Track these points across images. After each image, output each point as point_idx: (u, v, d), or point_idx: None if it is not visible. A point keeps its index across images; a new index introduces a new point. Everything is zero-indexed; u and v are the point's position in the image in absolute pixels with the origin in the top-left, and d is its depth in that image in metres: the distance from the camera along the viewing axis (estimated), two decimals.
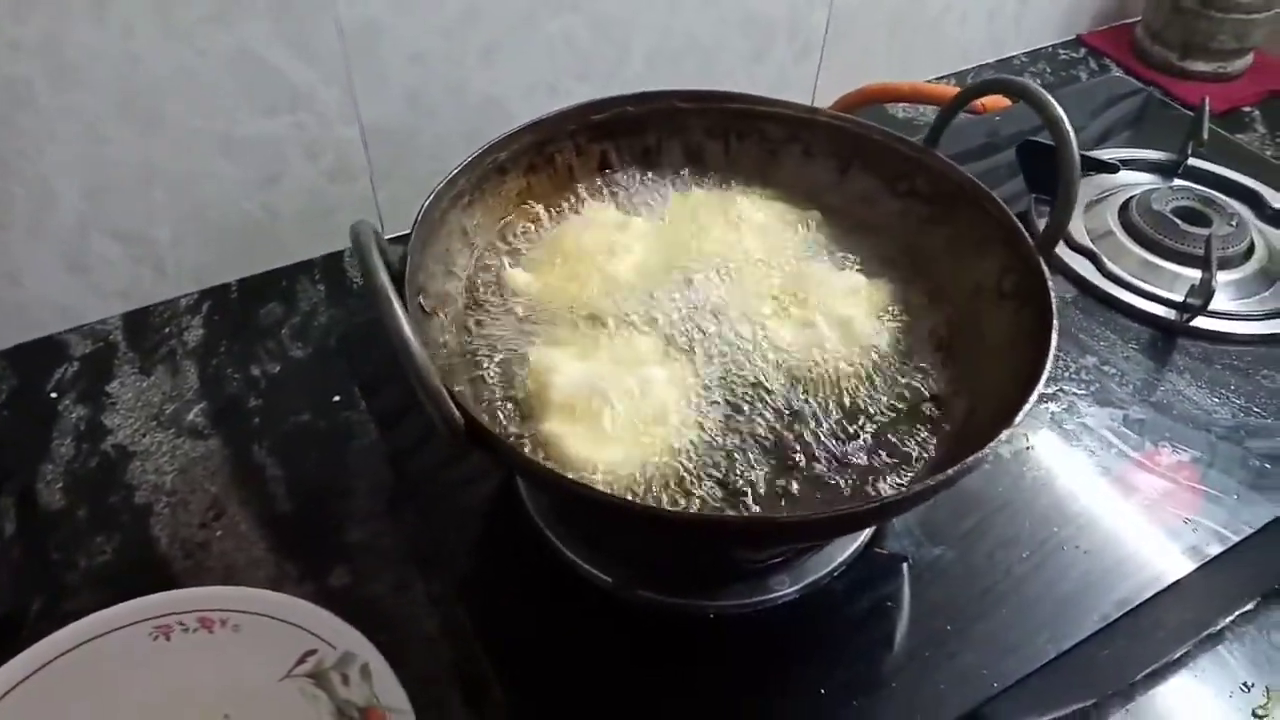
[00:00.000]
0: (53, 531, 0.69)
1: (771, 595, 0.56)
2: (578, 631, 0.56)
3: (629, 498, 0.46)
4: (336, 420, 0.78)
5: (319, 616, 0.58)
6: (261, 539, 0.69)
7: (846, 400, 0.54)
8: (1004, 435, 0.44)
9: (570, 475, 0.46)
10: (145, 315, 0.86)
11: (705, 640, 0.56)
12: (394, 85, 0.85)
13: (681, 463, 0.50)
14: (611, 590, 0.56)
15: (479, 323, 0.57)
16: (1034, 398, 0.45)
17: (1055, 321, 0.49)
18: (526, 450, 0.50)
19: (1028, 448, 0.67)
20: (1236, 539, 0.62)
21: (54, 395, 0.79)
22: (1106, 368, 0.72)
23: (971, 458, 0.43)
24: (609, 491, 0.46)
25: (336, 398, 0.79)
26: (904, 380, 0.55)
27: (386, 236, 0.94)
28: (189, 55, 0.74)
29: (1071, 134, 0.52)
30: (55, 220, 0.77)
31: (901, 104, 1.14)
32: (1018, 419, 0.44)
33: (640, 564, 0.55)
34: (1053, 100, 0.53)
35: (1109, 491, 0.64)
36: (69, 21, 0.69)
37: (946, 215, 0.61)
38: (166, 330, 0.85)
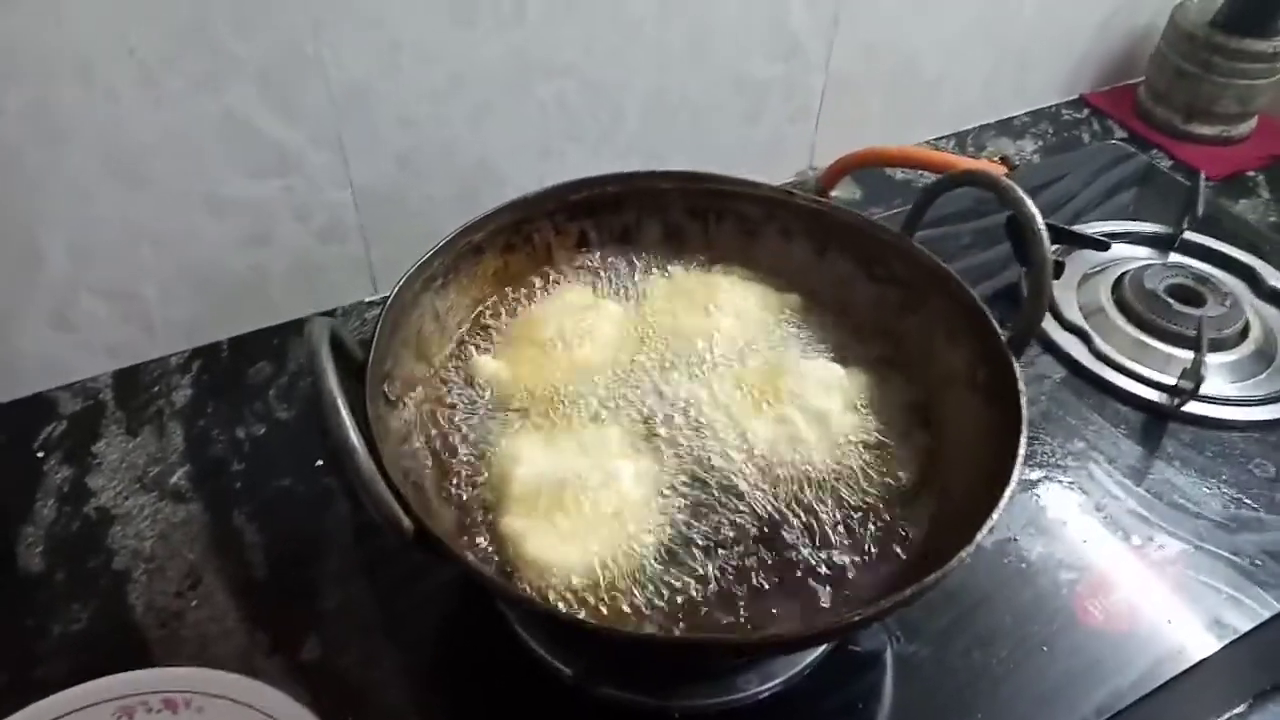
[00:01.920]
0: (29, 597, 0.69)
1: (738, 695, 0.55)
2: None
3: (579, 608, 0.46)
4: (317, 486, 0.77)
5: (282, 703, 0.57)
6: (236, 608, 0.69)
7: (817, 501, 0.53)
8: (964, 555, 0.43)
9: (509, 586, 0.45)
10: (135, 373, 0.86)
11: None
12: (384, 148, 0.85)
13: (644, 564, 0.49)
14: (573, 683, 0.55)
15: (447, 409, 0.56)
16: (996, 514, 0.44)
17: (1024, 427, 0.48)
18: (483, 545, 0.49)
19: (1011, 538, 0.65)
20: (1225, 641, 0.60)
21: (40, 454, 0.79)
22: (1095, 454, 0.71)
23: (928, 578, 0.42)
24: (558, 608, 0.45)
25: (319, 462, 0.79)
26: (877, 479, 0.55)
27: (379, 296, 0.95)
28: (176, 120, 0.75)
29: (1044, 233, 0.51)
30: (42, 279, 0.78)
31: (899, 168, 1.14)
32: (977, 537, 0.43)
33: (601, 660, 0.54)
34: (1025, 198, 0.52)
35: (1093, 586, 0.63)
36: (55, 88, 0.69)
37: (920, 302, 0.60)
38: (156, 389, 0.85)
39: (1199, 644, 0.60)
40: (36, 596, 0.69)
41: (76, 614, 0.68)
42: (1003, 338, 0.53)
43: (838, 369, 0.59)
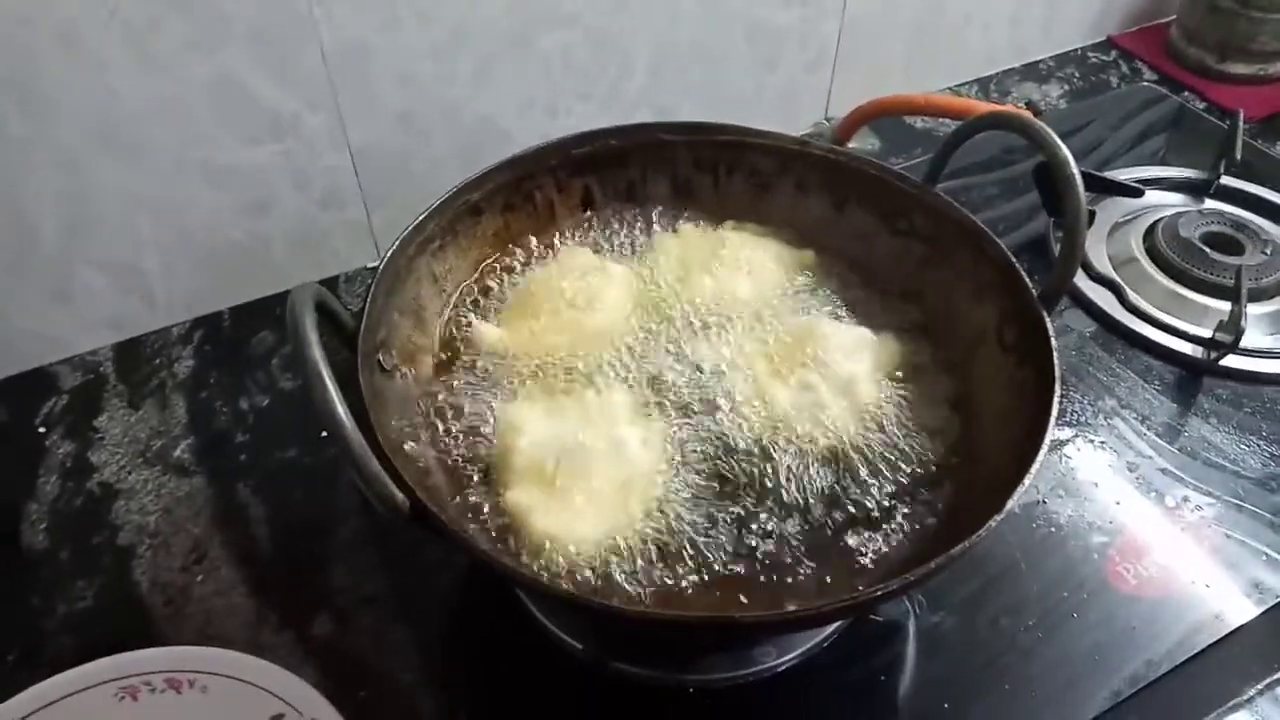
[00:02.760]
0: (34, 575, 0.68)
1: (756, 667, 0.53)
2: (551, 701, 0.54)
3: (587, 585, 0.43)
4: (322, 457, 0.76)
5: (288, 681, 0.56)
6: (242, 583, 0.68)
7: (839, 470, 0.51)
8: (993, 522, 0.40)
9: (514, 567, 0.43)
10: (136, 345, 0.85)
11: (685, 715, 0.53)
12: (384, 108, 0.82)
13: (652, 538, 0.47)
14: (584, 659, 0.53)
15: (447, 377, 0.54)
16: (1027, 480, 0.41)
17: (1057, 388, 0.45)
18: (486, 520, 0.47)
19: (1039, 501, 0.63)
20: (1266, 605, 0.57)
21: (42, 429, 0.78)
22: (1127, 411, 0.68)
23: (956, 548, 0.39)
24: (561, 585, 0.43)
25: (324, 433, 0.76)
26: (903, 445, 0.52)
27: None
28: (167, 85, 0.72)
29: (1079, 179, 0.48)
30: (37, 253, 0.76)
31: (919, 116, 1.09)
32: (1008, 504, 0.40)
33: (613, 637, 0.52)
34: (1058, 142, 0.49)
35: (1125, 550, 0.60)
36: (36, 55, 0.67)
37: (945, 257, 0.57)
38: (157, 361, 0.84)
39: (1237, 609, 0.58)
40: (41, 574, 0.68)
41: (81, 591, 0.67)
42: (1034, 293, 0.50)
43: (867, 333, 0.56)
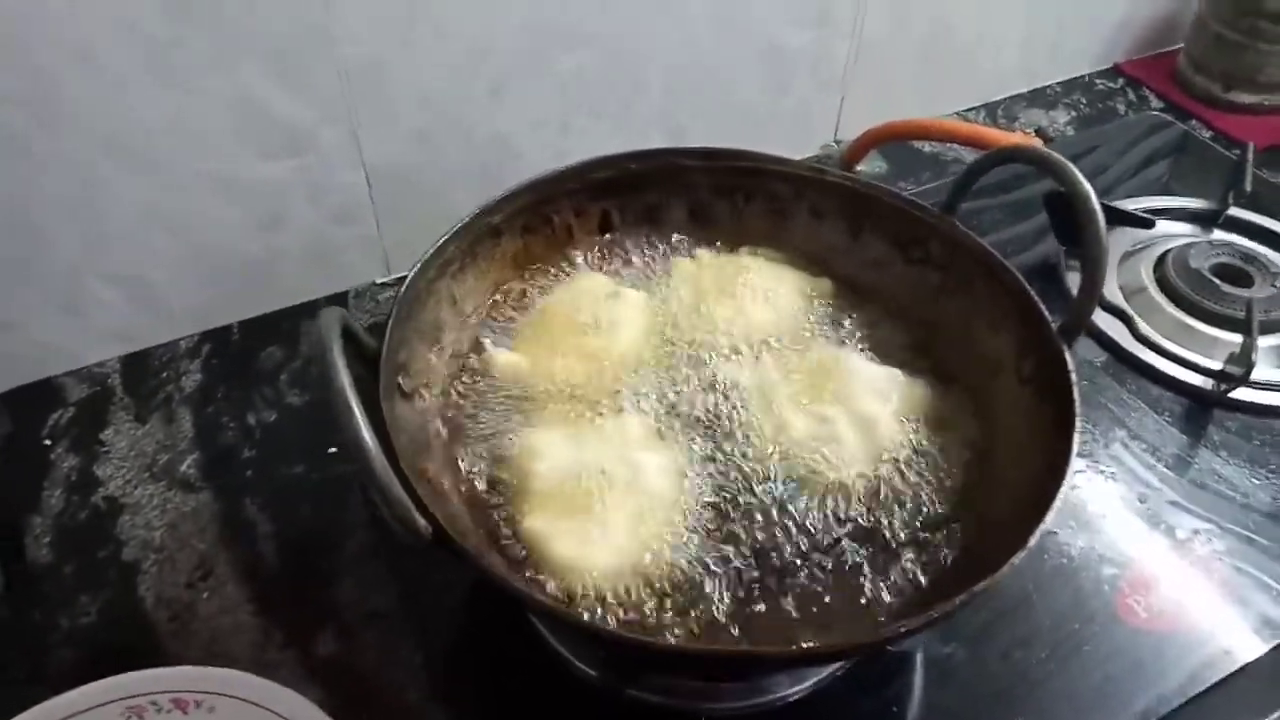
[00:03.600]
0: (38, 589, 0.67)
1: (769, 697, 0.53)
2: None
3: (604, 613, 0.43)
4: (330, 473, 0.75)
5: (295, 703, 0.56)
6: (248, 600, 0.67)
7: (856, 503, 0.51)
8: (1015, 560, 0.40)
9: (534, 596, 0.43)
10: (144, 358, 0.84)
11: None
12: (399, 126, 0.82)
13: (669, 567, 0.47)
14: (597, 685, 0.53)
15: (465, 401, 0.54)
16: (1049, 516, 0.41)
17: (1077, 423, 0.45)
18: (505, 545, 0.47)
19: (1051, 532, 0.63)
20: (1276, 641, 0.57)
21: (48, 442, 0.77)
22: (1137, 442, 0.68)
23: (978, 585, 0.39)
24: (579, 615, 0.43)
25: (331, 450, 0.77)
26: (920, 479, 0.52)
27: (392, 277, 0.93)
28: (185, 100, 0.72)
29: (1100, 213, 0.48)
30: (49, 265, 0.76)
31: (928, 141, 1.10)
32: (1030, 541, 0.40)
33: (627, 664, 0.52)
34: (1079, 176, 0.49)
35: (1135, 583, 0.60)
36: (57, 71, 0.67)
37: (961, 286, 0.57)
38: (165, 375, 0.83)
39: (1247, 644, 0.58)
40: (45, 588, 0.68)
41: (85, 606, 0.66)
42: (1053, 326, 0.50)
43: (898, 374, 0.56)
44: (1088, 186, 0.48)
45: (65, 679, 0.57)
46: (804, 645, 0.40)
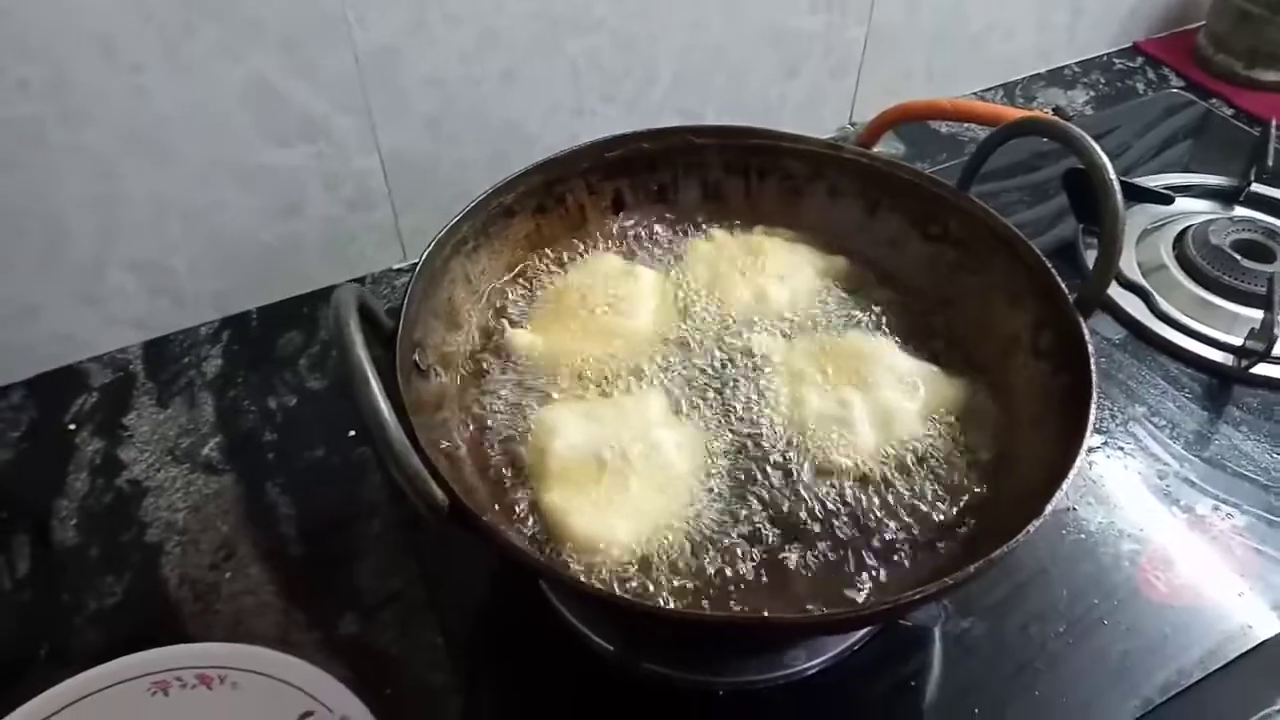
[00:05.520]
0: (64, 571, 0.69)
1: (786, 671, 0.53)
2: (578, 699, 0.54)
3: (621, 586, 0.44)
4: (351, 456, 0.76)
5: (318, 678, 0.56)
6: (270, 581, 0.68)
7: (875, 479, 0.51)
8: (1031, 528, 0.40)
9: (553, 567, 0.43)
10: (165, 344, 0.85)
11: (714, 717, 0.53)
12: (413, 112, 0.83)
13: (687, 540, 0.47)
14: (614, 659, 0.53)
15: (481, 379, 0.54)
16: (1065, 485, 0.41)
17: (1094, 395, 0.45)
18: (521, 520, 0.47)
19: (1069, 508, 0.62)
20: None
21: (72, 427, 0.79)
22: (1156, 419, 0.68)
23: (993, 553, 0.39)
24: (595, 584, 0.44)
25: (352, 432, 0.77)
26: (940, 450, 0.52)
27: (408, 262, 0.94)
28: (200, 89, 0.73)
29: (1117, 185, 0.48)
30: (69, 254, 0.77)
31: (945, 121, 1.09)
32: (1046, 510, 0.40)
33: (645, 637, 0.52)
34: (1096, 147, 0.49)
35: (1155, 558, 0.60)
36: (75, 62, 0.68)
37: (978, 262, 0.57)
38: (186, 360, 0.84)
39: (1267, 620, 0.57)
40: (71, 570, 0.69)
41: (111, 587, 0.67)
42: (1070, 299, 0.50)
43: (931, 369, 0.56)
44: (1104, 157, 0.48)
45: (91, 659, 0.58)
46: (820, 611, 0.40)
